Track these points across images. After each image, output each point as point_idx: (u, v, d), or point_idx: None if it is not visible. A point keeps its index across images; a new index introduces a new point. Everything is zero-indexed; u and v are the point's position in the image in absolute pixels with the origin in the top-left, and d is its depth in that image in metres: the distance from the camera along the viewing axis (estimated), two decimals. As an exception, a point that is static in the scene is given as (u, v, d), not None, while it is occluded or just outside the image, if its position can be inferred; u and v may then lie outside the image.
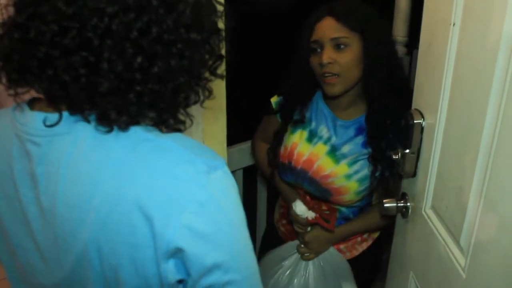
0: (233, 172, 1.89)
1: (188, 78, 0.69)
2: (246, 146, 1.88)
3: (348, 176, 1.44)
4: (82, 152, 0.66)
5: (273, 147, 1.60)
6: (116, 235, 0.66)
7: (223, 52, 0.77)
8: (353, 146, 1.46)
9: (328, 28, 1.37)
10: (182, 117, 0.73)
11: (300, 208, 1.52)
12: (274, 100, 1.61)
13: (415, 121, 1.15)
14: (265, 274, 1.59)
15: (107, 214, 0.65)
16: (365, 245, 1.63)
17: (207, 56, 0.72)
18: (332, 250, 1.57)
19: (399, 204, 1.26)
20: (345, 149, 1.46)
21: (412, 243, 1.24)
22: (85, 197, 0.66)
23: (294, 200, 1.54)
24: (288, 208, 1.58)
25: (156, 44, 0.64)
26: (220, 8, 0.74)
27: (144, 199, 0.64)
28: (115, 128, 0.66)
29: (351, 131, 1.47)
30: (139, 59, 0.63)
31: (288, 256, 1.60)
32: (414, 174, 1.20)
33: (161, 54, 0.64)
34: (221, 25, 0.75)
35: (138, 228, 0.65)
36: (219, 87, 1.12)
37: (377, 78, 1.37)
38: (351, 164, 1.44)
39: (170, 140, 0.69)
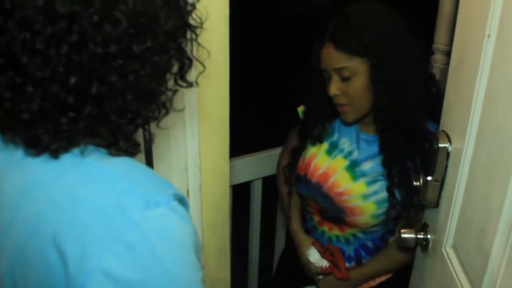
0: (250, 181, 1.80)
1: (136, 96, 0.60)
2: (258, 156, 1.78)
3: (365, 197, 1.31)
4: (9, 173, 0.59)
5: (290, 165, 1.50)
6: (30, 270, 0.57)
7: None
8: (375, 164, 1.32)
9: (329, 58, 1.24)
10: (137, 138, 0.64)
11: (314, 257, 1.42)
12: (301, 109, 1.50)
13: (440, 145, 1.01)
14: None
15: (25, 245, 0.57)
16: (384, 277, 1.47)
17: (163, 65, 0.62)
18: None
19: (419, 236, 1.12)
20: (366, 166, 1.34)
21: (430, 283, 1.10)
22: (6, 222, 0.58)
23: (307, 247, 1.45)
24: (297, 251, 1.50)
25: (92, 59, 0.54)
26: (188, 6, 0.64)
27: (62, 233, 0.55)
28: None
29: (375, 147, 1.34)
30: (72, 80, 0.54)
31: None
32: (436, 205, 1.06)
33: (99, 72, 0.55)
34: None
35: (52, 266, 0.55)
36: (221, 94, 1.02)
37: (383, 107, 1.23)
38: (369, 183, 1.31)
39: (108, 167, 0.60)
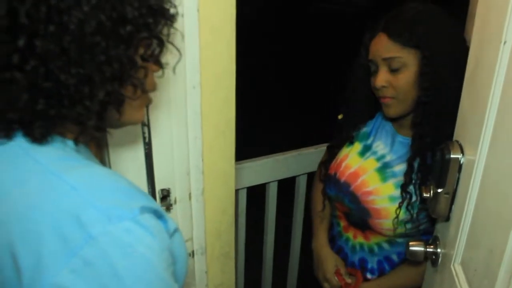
0: (266, 183, 1.78)
1: (80, 50, 0.57)
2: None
3: (392, 199, 1.26)
4: None
5: (325, 162, 1.48)
6: None
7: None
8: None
9: (381, 47, 1.21)
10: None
11: None
12: (341, 117, 1.47)
13: (452, 156, 0.96)
14: None
15: None
16: None
17: (114, 25, 0.59)
18: None
19: (428, 250, 1.08)
20: (398, 168, 1.29)
21: (438, 299, 1.05)
22: None
23: (330, 265, 1.43)
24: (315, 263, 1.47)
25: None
26: None
27: (18, 244, 0.54)
28: (15, 154, 0.57)
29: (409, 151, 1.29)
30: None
31: None
32: (448, 218, 1.01)
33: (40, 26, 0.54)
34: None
35: (8, 278, 0.54)
36: (227, 97, 1.01)
37: (424, 101, 1.19)
38: (398, 185, 1.26)
39: (71, 177, 0.58)
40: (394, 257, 1.36)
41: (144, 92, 0.67)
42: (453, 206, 0.99)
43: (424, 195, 1.03)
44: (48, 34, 0.54)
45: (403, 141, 1.30)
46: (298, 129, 1.56)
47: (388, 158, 1.31)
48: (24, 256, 0.53)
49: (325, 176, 1.46)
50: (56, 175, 0.58)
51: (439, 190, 0.99)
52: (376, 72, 1.23)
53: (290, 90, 4.95)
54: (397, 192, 1.26)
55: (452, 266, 0.96)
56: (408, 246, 1.08)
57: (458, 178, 0.96)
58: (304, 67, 5.08)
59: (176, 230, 0.69)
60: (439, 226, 1.09)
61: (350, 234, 1.42)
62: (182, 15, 0.86)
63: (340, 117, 1.46)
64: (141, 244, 0.56)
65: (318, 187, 1.54)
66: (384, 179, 1.29)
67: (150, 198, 0.66)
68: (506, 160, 0.77)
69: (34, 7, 0.53)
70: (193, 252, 1.10)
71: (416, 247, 1.08)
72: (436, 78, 1.16)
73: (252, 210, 1.84)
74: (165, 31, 0.66)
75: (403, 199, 1.24)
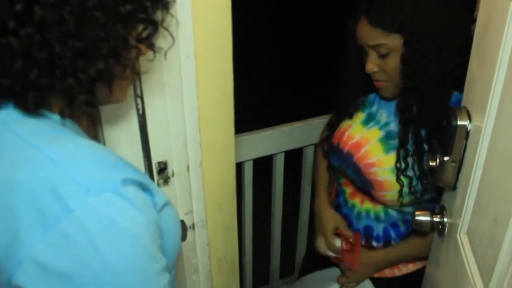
0: (272, 155, 1.76)
1: (78, 23, 0.55)
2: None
3: (395, 171, 1.23)
4: None
5: (326, 138, 1.46)
6: None
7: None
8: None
9: (365, 34, 1.17)
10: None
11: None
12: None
13: (459, 123, 0.92)
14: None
15: None
16: (411, 267, 1.39)
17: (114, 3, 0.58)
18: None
19: (434, 219, 1.05)
20: None
21: (443, 270, 1.03)
22: None
23: (331, 227, 1.42)
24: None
25: None
26: None
27: None
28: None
29: None
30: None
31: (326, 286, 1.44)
32: (454, 187, 0.98)
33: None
34: None
35: None
36: (224, 68, 0.97)
37: (410, 87, 1.16)
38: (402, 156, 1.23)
39: (51, 149, 0.56)
40: (401, 224, 1.34)
41: (133, 73, 0.66)
42: (459, 175, 0.95)
43: (431, 163, 0.99)
44: (48, 3, 0.52)
45: None
46: (303, 100, 1.53)
47: (391, 127, 1.29)
48: (1, 231, 0.52)
49: (327, 153, 1.45)
50: (36, 147, 0.56)
51: (446, 159, 0.95)
52: (367, 56, 1.20)
53: (294, 63, 4.88)
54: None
55: (458, 236, 0.93)
56: (414, 215, 1.05)
57: (465, 146, 0.92)
58: (308, 38, 4.98)
59: (166, 204, 0.67)
60: (445, 196, 1.05)
61: (356, 200, 1.39)
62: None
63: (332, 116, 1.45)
64: (123, 217, 0.54)
65: (322, 164, 1.52)
66: (387, 150, 1.26)
67: (137, 170, 0.64)
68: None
69: None
70: (193, 224, 1.09)
71: (423, 217, 1.05)
72: (417, 65, 1.13)
73: (260, 181, 1.83)
74: (160, 15, 0.65)
75: (398, 167, 1.22)
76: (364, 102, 1.36)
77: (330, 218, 1.43)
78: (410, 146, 1.21)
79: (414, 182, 1.21)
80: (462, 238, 0.91)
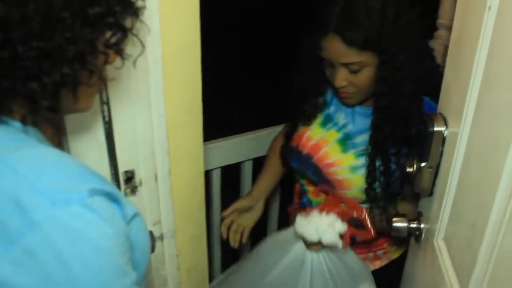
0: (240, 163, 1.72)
1: (43, 21, 0.51)
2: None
3: (353, 169, 1.26)
4: None
5: (286, 134, 1.45)
6: None
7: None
8: (367, 137, 1.26)
9: (336, 51, 1.14)
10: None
11: (328, 234, 1.14)
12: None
13: (435, 129, 0.91)
14: (260, 268, 1.32)
15: None
16: (377, 264, 1.41)
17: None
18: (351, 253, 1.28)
19: (411, 225, 1.04)
20: (359, 139, 1.28)
21: (421, 275, 1.02)
22: None
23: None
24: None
25: None
26: None
27: None
28: None
29: (369, 121, 1.27)
30: None
31: (290, 247, 1.29)
32: (431, 193, 0.97)
33: None
34: None
35: None
36: (192, 74, 0.93)
37: (382, 106, 1.18)
38: (359, 155, 1.26)
39: (14, 159, 0.52)
40: None
41: (100, 80, 0.62)
42: (436, 181, 0.95)
43: (408, 169, 0.98)
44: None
45: (362, 111, 1.29)
46: (270, 107, 1.52)
47: (349, 128, 1.30)
48: None
49: (286, 147, 1.43)
50: None
51: (423, 165, 0.94)
52: (333, 67, 1.18)
53: (260, 69, 4.87)
54: (357, 162, 1.26)
55: (435, 241, 0.92)
56: (391, 222, 1.04)
57: (442, 152, 0.92)
58: (274, 44, 5.00)
59: (135, 215, 0.63)
60: (422, 202, 1.05)
61: (320, 198, 1.38)
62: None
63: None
64: (90, 229, 0.51)
65: (275, 149, 1.51)
66: (344, 150, 1.28)
67: (104, 180, 0.60)
68: (490, 131, 0.73)
69: None
70: (162, 235, 1.04)
71: (400, 223, 1.05)
72: (394, 83, 1.13)
73: (228, 190, 1.79)
74: (129, 22, 0.62)
75: (368, 166, 1.23)
76: (320, 105, 1.35)
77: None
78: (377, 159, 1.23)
79: (378, 189, 1.24)
80: (440, 243, 0.91)
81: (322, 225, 1.14)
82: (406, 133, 1.18)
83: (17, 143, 0.56)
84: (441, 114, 0.94)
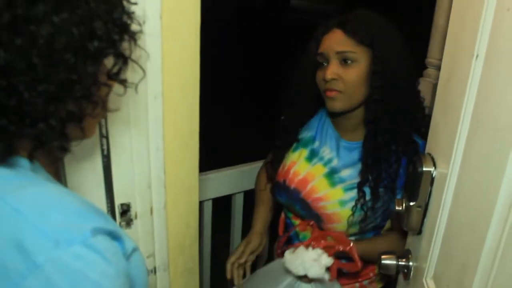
0: (232, 195, 1.73)
1: (47, 65, 0.52)
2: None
3: (342, 203, 1.28)
4: None
5: (272, 162, 1.47)
6: None
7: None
8: (354, 171, 1.29)
9: (335, 41, 1.23)
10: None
11: (313, 269, 1.17)
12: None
13: (424, 169, 0.94)
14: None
15: None
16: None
17: (83, 39, 0.55)
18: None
19: (400, 263, 1.05)
20: (345, 173, 1.31)
21: (409, 314, 1.03)
22: None
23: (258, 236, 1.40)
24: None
25: None
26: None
27: None
28: None
29: (355, 155, 1.32)
30: None
31: (282, 278, 1.29)
32: (419, 231, 0.99)
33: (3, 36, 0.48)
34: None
35: None
36: (190, 106, 0.95)
37: (376, 99, 1.22)
38: (347, 189, 1.28)
39: (16, 198, 0.52)
40: None
41: (104, 110, 0.64)
42: (425, 220, 0.96)
43: (397, 208, 1.00)
44: (13, 46, 0.49)
45: (347, 145, 1.33)
46: (263, 140, 1.55)
47: (335, 163, 1.33)
48: None
49: (271, 179, 1.46)
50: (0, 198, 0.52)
51: (411, 203, 0.96)
52: (326, 66, 1.25)
53: (259, 101, 4.92)
54: (346, 196, 1.28)
55: (424, 280, 0.93)
56: (380, 259, 1.06)
57: (431, 192, 0.94)
58: (276, 77, 5.08)
59: (134, 249, 0.64)
60: (410, 239, 1.06)
61: (307, 232, 1.40)
62: (144, 21, 0.81)
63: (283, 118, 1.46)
64: (93, 270, 0.51)
65: (263, 183, 1.53)
66: (332, 184, 1.30)
67: (106, 217, 0.61)
68: (479, 174, 0.75)
69: None
70: (155, 268, 1.04)
71: (388, 261, 1.06)
72: (387, 76, 1.20)
73: (219, 221, 1.79)
74: (128, 48, 0.63)
75: (359, 197, 1.25)
76: (306, 137, 1.39)
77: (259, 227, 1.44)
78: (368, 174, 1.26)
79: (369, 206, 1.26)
80: (429, 283, 0.92)
81: (308, 260, 1.17)
82: (397, 146, 1.23)
83: (20, 181, 0.56)
84: (429, 154, 0.97)
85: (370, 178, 1.25)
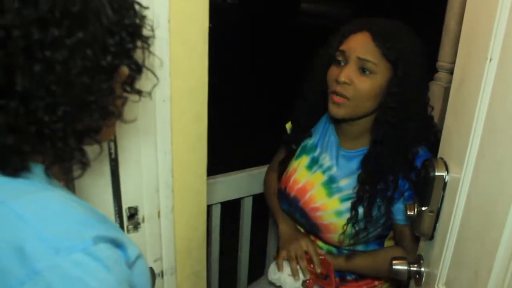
0: (241, 198, 1.72)
1: (66, 90, 0.52)
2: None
3: (339, 213, 1.26)
4: None
5: (283, 160, 1.46)
6: None
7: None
8: (352, 181, 1.28)
9: (361, 45, 1.17)
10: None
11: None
12: (289, 126, 1.47)
13: (436, 174, 0.92)
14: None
15: None
16: None
17: (98, 61, 0.54)
18: None
19: (412, 268, 1.04)
20: (343, 182, 1.29)
21: (421, 321, 1.01)
22: None
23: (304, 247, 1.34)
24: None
25: (13, 47, 0.47)
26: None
27: None
28: None
29: (354, 164, 1.29)
30: None
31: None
32: (431, 237, 0.97)
33: (20, 62, 0.48)
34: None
35: None
36: (198, 111, 0.95)
37: (388, 121, 1.18)
38: (343, 200, 1.27)
39: (20, 204, 0.52)
40: None
41: (120, 118, 0.63)
42: (437, 225, 0.95)
43: (408, 213, 0.99)
44: (31, 73, 0.49)
45: (346, 154, 1.31)
46: (273, 143, 1.54)
47: (334, 171, 1.31)
48: None
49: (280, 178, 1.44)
50: (4, 204, 0.52)
51: (423, 208, 0.95)
52: (343, 66, 1.19)
53: (267, 104, 4.93)
54: (342, 207, 1.26)
55: (436, 286, 0.92)
56: (391, 264, 1.04)
57: (443, 196, 0.92)
58: (283, 80, 5.09)
59: (138, 257, 0.63)
60: (422, 245, 1.05)
61: (311, 237, 1.40)
62: (157, 26, 0.80)
63: (288, 126, 1.46)
64: (93, 278, 0.50)
65: (273, 176, 1.51)
66: (330, 194, 1.29)
67: (110, 224, 0.60)
68: (492, 179, 0.74)
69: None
70: (162, 272, 1.03)
71: (399, 266, 1.04)
72: (403, 99, 1.16)
73: (227, 224, 1.78)
74: (141, 56, 0.62)
75: (351, 216, 1.23)
76: (309, 144, 1.38)
77: (304, 236, 1.38)
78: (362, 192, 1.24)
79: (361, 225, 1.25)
80: (441, 290, 0.90)
81: (285, 274, 1.30)
82: (397, 168, 1.20)
83: (25, 186, 0.55)
84: (442, 159, 0.95)
85: (364, 197, 1.23)
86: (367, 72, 1.16)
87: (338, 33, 1.24)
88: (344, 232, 1.25)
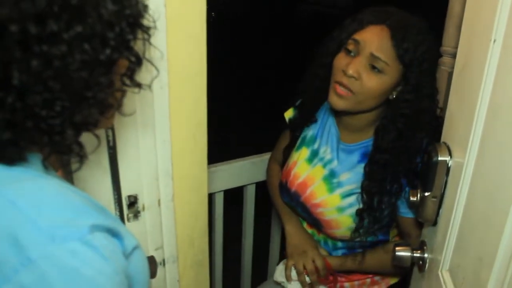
0: (243, 186, 1.71)
1: (64, 86, 0.51)
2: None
3: (340, 209, 1.24)
4: None
5: (288, 147, 1.43)
6: None
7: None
8: (353, 175, 1.25)
9: (377, 40, 1.10)
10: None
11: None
12: (287, 114, 1.44)
13: (439, 159, 0.91)
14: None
15: None
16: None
17: (97, 55, 0.53)
18: None
19: (415, 255, 1.03)
20: (344, 177, 1.26)
21: (424, 307, 1.00)
22: None
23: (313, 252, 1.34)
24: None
25: (10, 41, 0.46)
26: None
27: None
28: None
29: (354, 157, 1.26)
30: None
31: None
32: (435, 223, 0.96)
33: (18, 57, 0.47)
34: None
35: None
36: (197, 98, 0.94)
37: (398, 128, 1.16)
38: (345, 195, 1.24)
39: (15, 192, 0.51)
40: (358, 250, 1.34)
41: (119, 110, 0.63)
42: (440, 210, 0.94)
43: (411, 198, 0.98)
44: (29, 68, 0.48)
45: (346, 148, 1.28)
46: (275, 131, 1.52)
47: (334, 164, 1.29)
48: None
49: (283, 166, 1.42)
50: None
51: (426, 194, 0.94)
52: (352, 55, 1.14)
53: (272, 92, 4.91)
54: (343, 203, 1.24)
55: (439, 272, 0.91)
56: (394, 251, 1.03)
57: (446, 182, 0.91)
58: (288, 68, 5.06)
59: (135, 247, 0.62)
60: (426, 231, 1.04)
61: (314, 229, 1.40)
62: (158, 17, 0.79)
63: (286, 114, 1.43)
64: (89, 267, 0.49)
65: (275, 171, 1.50)
66: (330, 190, 1.26)
67: (107, 214, 0.60)
68: (496, 163, 0.72)
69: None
70: (163, 260, 1.03)
71: (403, 252, 1.03)
72: (413, 106, 1.13)
73: (231, 212, 1.78)
74: (141, 47, 0.61)
75: (362, 209, 1.22)
76: (308, 136, 1.35)
77: (312, 239, 1.37)
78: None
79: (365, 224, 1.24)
80: (444, 275, 0.89)
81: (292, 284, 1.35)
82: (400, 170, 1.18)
83: (20, 174, 0.55)
84: (445, 143, 0.94)
85: (370, 206, 1.21)
86: (376, 70, 1.11)
87: (355, 20, 1.17)
88: (348, 228, 1.24)
